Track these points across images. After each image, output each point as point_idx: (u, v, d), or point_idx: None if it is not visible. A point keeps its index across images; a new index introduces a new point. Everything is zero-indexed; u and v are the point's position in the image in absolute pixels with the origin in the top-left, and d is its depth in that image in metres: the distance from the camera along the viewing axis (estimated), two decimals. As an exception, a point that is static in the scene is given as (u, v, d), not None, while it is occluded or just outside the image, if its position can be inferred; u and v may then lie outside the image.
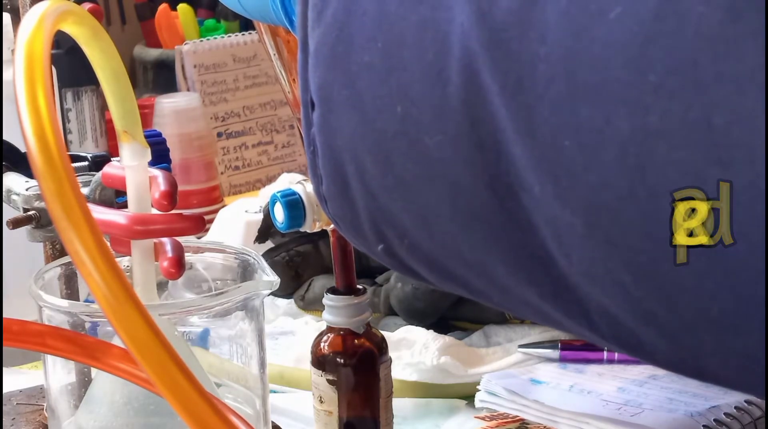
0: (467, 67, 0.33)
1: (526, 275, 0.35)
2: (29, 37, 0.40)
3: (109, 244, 0.52)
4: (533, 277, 0.34)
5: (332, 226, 0.65)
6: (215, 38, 1.47)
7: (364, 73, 0.36)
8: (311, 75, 0.38)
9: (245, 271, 0.65)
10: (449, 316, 0.89)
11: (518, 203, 0.33)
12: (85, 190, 0.63)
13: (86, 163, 0.71)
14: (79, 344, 0.49)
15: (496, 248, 0.35)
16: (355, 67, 0.36)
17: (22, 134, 0.37)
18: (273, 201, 0.63)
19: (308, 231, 0.64)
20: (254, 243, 0.95)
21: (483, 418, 0.78)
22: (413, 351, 0.82)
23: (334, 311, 0.66)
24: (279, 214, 0.63)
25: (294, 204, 0.62)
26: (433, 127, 0.34)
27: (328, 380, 0.65)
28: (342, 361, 0.66)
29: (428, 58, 0.34)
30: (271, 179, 1.37)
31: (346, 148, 0.38)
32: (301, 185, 0.63)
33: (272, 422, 0.67)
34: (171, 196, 0.56)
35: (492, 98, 0.32)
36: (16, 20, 0.84)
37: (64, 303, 0.60)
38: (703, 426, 0.72)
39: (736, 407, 0.74)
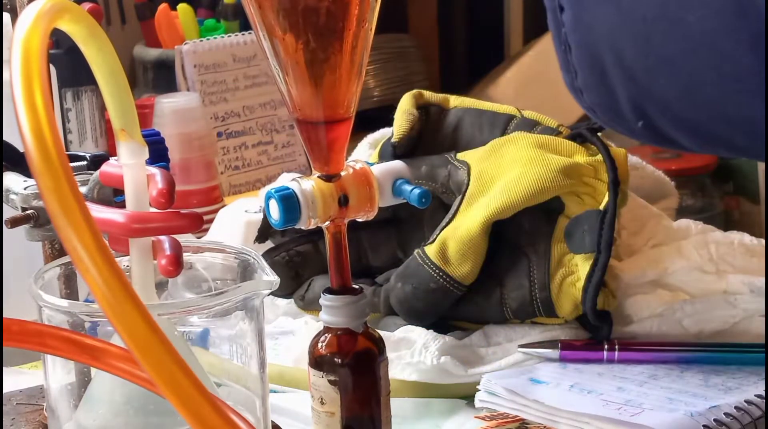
0: None
1: None
2: (25, 34, 0.39)
3: (107, 242, 0.52)
4: None
5: (327, 223, 0.65)
6: (215, 38, 1.47)
7: None
8: None
9: (245, 271, 0.64)
10: (449, 316, 0.88)
11: None
12: (83, 189, 0.63)
13: (85, 162, 0.71)
14: (79, 344, 0.49)
15: (762, 104, 0.38)
16: None
17: (20, 132, 0.37)
18: (268, 198, 0.63)
19: (303, 228, 0.64)
20: (254, 243, 0.95)
21: (483, 418, 0.78)
22: (413, 351, 0.82)
23: (331, 311, 0.65)
24: (274, 210, 0.63)
25: (288, 198, 0.62)
26: (694, 5, 0.38)
27: (329, 381, 0.65)
28: (341, 361, 0.65)
29: None
30: (271, 179, 1.37)
31: (603, 40, 0.42)
32: (296, 182, 0.63)
33: (272, 422, 0.67)
34: (169, 194, 0.56)
35: None
36: (16, 20, 0.84)
37: (64, 303, 0.60)
38: (703, 426, 0.71)
39: (736, 407, 0.73)
